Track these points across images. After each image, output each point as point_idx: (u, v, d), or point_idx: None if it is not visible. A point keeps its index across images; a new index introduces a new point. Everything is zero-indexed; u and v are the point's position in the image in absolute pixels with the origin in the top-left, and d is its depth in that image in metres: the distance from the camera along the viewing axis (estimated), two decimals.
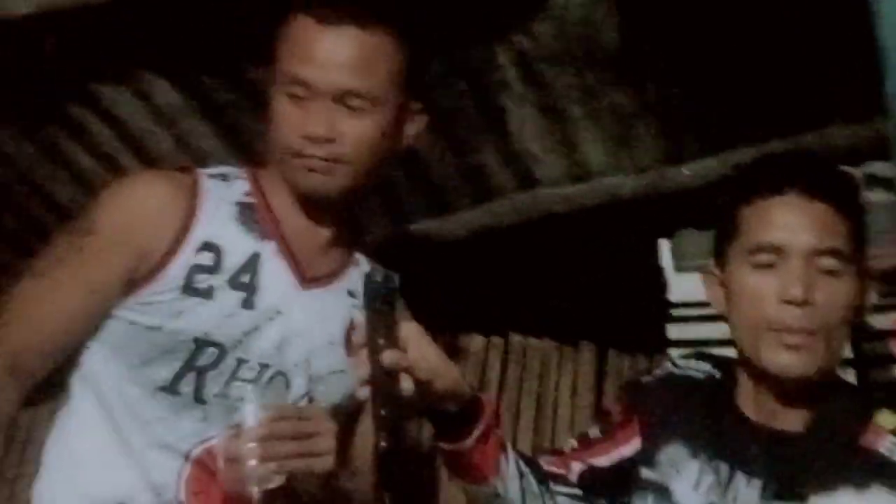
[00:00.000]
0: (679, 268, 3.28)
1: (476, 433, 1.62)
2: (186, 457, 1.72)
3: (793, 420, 1.63)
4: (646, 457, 1.72)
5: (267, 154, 1.79)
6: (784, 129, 2.37)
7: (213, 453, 1.67)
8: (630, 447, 1.74)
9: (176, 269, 1.69)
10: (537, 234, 2.62)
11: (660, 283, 3.23)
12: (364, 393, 1.51)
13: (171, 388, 1.70)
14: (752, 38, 2.14)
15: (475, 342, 2.78)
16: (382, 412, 1.47)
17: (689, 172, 2.44)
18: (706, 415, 1.70)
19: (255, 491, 1.57)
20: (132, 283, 1.70)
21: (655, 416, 1.73)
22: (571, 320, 2.79)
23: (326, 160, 1.69)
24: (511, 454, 1.70)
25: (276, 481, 1.58)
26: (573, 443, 1.80)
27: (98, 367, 1.74)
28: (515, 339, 2.80)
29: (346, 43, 1.70)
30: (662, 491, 1.69)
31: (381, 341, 1.49)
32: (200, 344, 1.70)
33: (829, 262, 1.57)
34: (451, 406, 1.59)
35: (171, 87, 2.34)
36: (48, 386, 1.77)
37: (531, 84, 2.28)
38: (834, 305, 1.56)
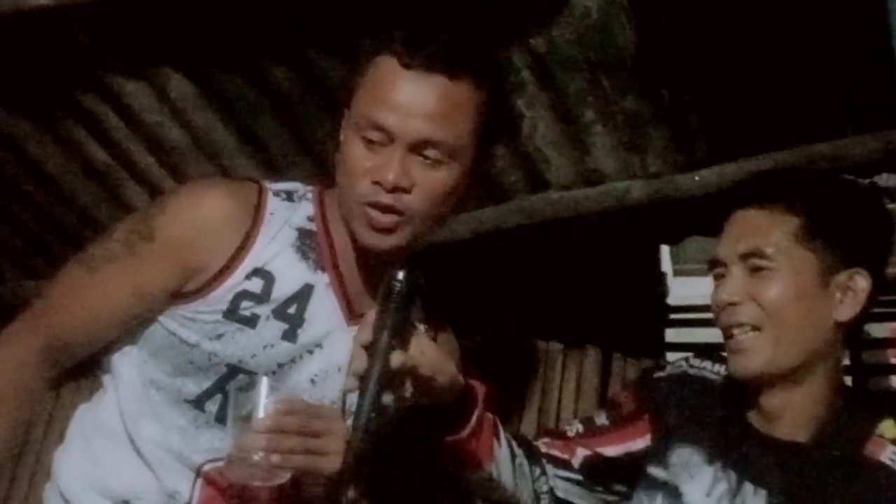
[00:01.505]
0: (677, 272, 3.30)
1: (472, 422, 1.64)
2: (198, 471, 1.71)
3: (797, 430, 1.66)
4: (657, 455, 1.74)
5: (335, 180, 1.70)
6: (797, 138, 2.37)
7: (222, 472, 1.64)
8: (641, 442, 1.76)
9: (223, 292, 1.66)
10: (544, 237, 2.62)
11: (661, 288, 3.25)
12: (350, 385, 1.50)
13: (196, 402, 1.70)
14: (766, 47, 2.14)
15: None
16: (364, 422, 1.45)
17: (699, 180, 2.43)
18: (720, 421, 1.71)
19: (258, 485, 1.56)
20: (179, 294, 1.68)
21: (669, 415, 1.75)
22: (577, 323, 2.80)
23: (394, 211, 1.62)
24: (503, 436, 1.72)
25: (281, 477, 1.56)
26: (578, 426, 1.80)
27: (131, 369, 1.74)
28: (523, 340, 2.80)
29: (430, 91, 1.61)
30: (672, 491, 1.70)
31: (388, 339, 1.48)
32: (233, 370, 1.67)
33: (756, 262, 1.65)
34: (448, 399, 1.59)
35: (185, 80, 2.35)
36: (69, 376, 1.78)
37: (545, 87, 2.28)
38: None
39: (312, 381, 1.71)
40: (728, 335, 1.67)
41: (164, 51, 2.28)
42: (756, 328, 1.64)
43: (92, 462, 1.75)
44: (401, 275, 1.51)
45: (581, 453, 1.78)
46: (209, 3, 2.14)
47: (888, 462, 1.59)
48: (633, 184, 2.48)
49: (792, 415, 1.66)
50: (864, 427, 1.63)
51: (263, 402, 1.57)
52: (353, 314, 1.72)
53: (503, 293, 2.83)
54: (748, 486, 1.65)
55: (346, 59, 2.23)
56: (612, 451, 1.78)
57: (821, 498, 1.60)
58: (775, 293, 1.63)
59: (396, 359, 1.49)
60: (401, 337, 1.50)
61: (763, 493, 1.63)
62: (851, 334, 1.70)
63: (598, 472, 1.78)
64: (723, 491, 1.67)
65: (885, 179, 3.13)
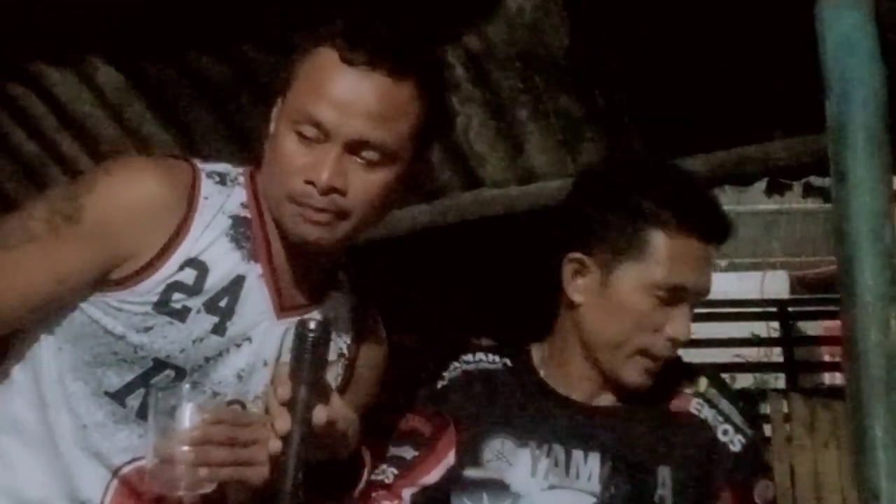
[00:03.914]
0: None
1: (362, 483, 1.64)
2: (115, 472, 1.64)
3: (608, 396, 1.78)
4: (468, 457, 1.76)
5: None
6: (728, 140, 2.40)
7: (142, 474, 1.57)
8: (452, 454, 1.77)
9: (154, 283, 1.58)
10: (478, 235, 2.62)
11: None
12: (276, 447, 1.46)
13: (117, 396, 1.62)
14: (699, 49, 2.16)
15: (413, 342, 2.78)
16: (291, 473, 1.43)
17: None
18: (522, 402, 1.78)
19: (183, 495, 1.50)
20: (104, 281, 1.59)
21: (468, 415, 1.78)
22: (511, 321, 2.80)
23: (326, 211, 1.56)
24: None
25: (207, 487, 1.51)
26: (392, 470, 1.79)
27: (45, 355, 1.64)
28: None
29: (372, 90, 1.54)
30: (497, 485, 1.73)
31: (308, 395, 1.45)
32: (158, 364, 1.60)
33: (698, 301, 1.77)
34: (345, 454, 1.58)
35: (114, 70, 2.31)
36: None
37: (479, 85, 2.28)
38: None
39: (239, 375, 1.65)
40: (653, 358, 1.75)
41: (91, 40, 2.24)
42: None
43: (0, 460, 1.67)
44: (313, 324, 1.48)
45: (407, 494, 1.78)
46: None
47: (694, 411, 1.78)
48: (567, 182, 2.49)
49: (603, 384, 1.79)
50: (670, 387, 1.79)
51: (185, 409, 1.50)
52: (283, 307, 1.66)
53: (438, 291, 2.83)
54: (577, 454, 1.73)
55: (277, 49, 2.22)
56: (434, 476, 1.78)
57: (645, 448, 1.74)
58: None
59: (320, 415, 1.46)
60: (317, 390, 1.47)
61: (596, 455, 1.72)
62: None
63: (431, 502, 1.79)
64: (548, 466, 1.74)
65: (822, 181, 3.18)
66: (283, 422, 1.45)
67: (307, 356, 1.47)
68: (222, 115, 2.41)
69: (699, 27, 2.12)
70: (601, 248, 1.74)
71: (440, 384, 1.84)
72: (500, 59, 2.22)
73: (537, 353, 1.85)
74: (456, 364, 1.84)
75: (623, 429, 1.75)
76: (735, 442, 1.78)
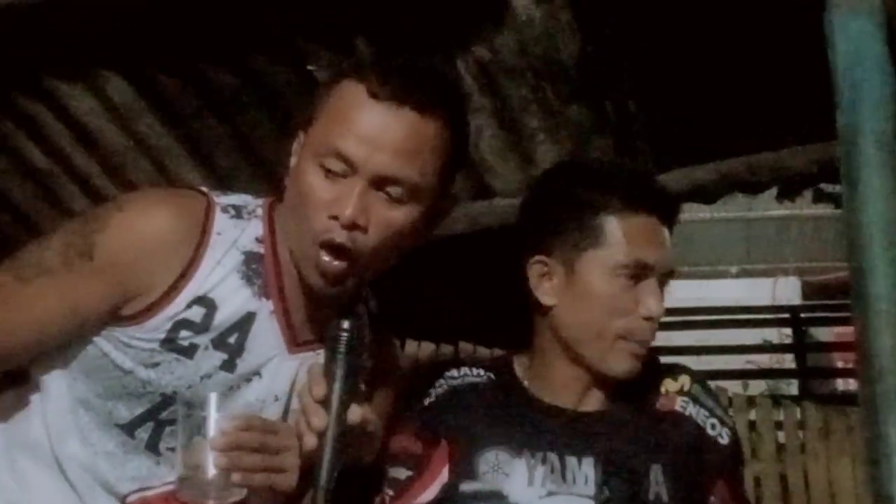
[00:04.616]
0: None
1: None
2: (122, 500, 1.64)
3: (594, 401, 1.82)
4: (463, 471, 1.77)
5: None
6: (739, 148, 2.40)
7: (175, 495, 1.57)
8: (445, 471, 1.78)
9: (162, 320, 1.57)
10: (489, 245, 2.62)
11: None
12: (311, 443, 1.47)
13: (127, 428, 1.62)
14: (710, 58, 2.16)
15: (424, 350, 2.79)
16: (326, 470, 1.43)
17: None
18: (511, 414, 1.80)
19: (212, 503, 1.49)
20: (116, 316, 1.59)
21: (459, 429, 1.79)
22: (521, 331, 2.80)
23: (344, 254, 1.53)
24: None
25: (237, 495, 1.50)
26: (389, 492, 1.79)
27: (60, 385, 1.65)
28: (466, 347, 2.81)
29: (399, 125, 1.52)
30: (495, 496, 1.74)
31: (342, 393, 1.46)
32: (166, 400, 1.60)
33: (668, 280, 1.81)
34: (370, 459, 1.60)
35: (125, 83, 2.32)
36: None
37: (489, 95, 2.29)
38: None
39: (249, 410, 1.63)
40: (636, 341, 1.78)
41: (103, 53, 2.25)
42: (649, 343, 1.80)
43: (16, 480, 1.68)
44: (346, 324, 1.48)
45: None
46: (148, 6, 2.12)
47: (680, 409, 1.82)
48: None
49: (589, 390, 1.81)
50: (650, 387, 1.84)
51: (214, 417, 1.49)
52: (295, 342, 1.65)
53: (447, 301, 2.83)
54: (571, 460, 1.75)
55: (289, 63, 2.23)
56: (430, 494, 1.78)
57: (637, 448, 1.77)
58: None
59: (355, 413, 1.46)
60: (351, 390, 1.47)
61: (590, 459, 1.75)
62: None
63: None
64: (544, 474, 1.75)
65: (832, 187, 3.18)
66: (320, 419, 1.46)
67: (341, 355, 1.47)
68: (233, 127, 2.41)
69: (709, 35, 2.12)
70: (560, 246, 1.78)
71: (427, 401, 1.84)
72: (509, 69, 2.22)
73: (519, 365, 1.87)
74: (441, 381, 1.85)
75: (613, 431, 1.79)
76: (723, 435, 1.82)
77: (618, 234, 1.76)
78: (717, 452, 1.81)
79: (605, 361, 1.77)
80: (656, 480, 1.76)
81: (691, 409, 1.83)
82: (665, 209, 1.81)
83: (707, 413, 1.83)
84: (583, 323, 1.77)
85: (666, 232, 1.80)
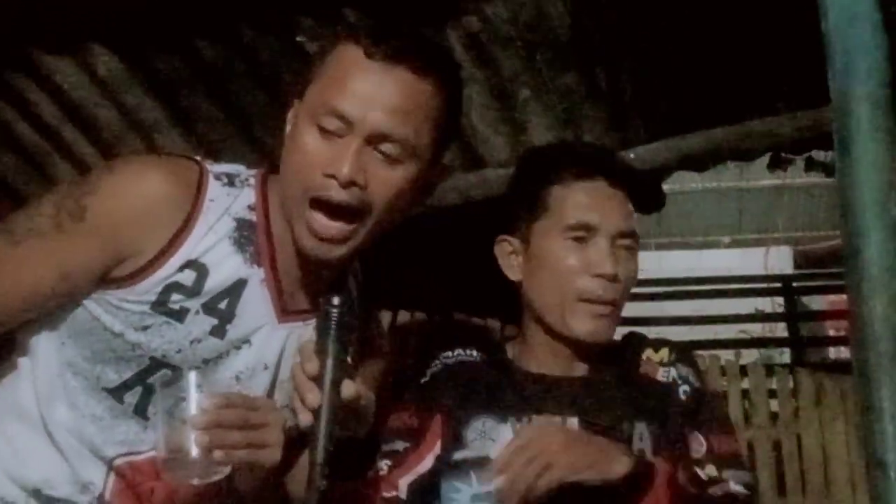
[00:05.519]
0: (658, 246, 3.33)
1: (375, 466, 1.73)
2: (110, 464, 1.65)
3: (578, 370, 1.91)
4: (455, 441, 1.84)
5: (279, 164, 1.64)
6: (730, 116, 2.40)
7: (135, 467, 1.61)
8: (438, 444, 1.86)
9: (153, 283, 1.59)
10: (479, 215, 2.62)
11: None
12: (307, 420, 1.47)
13: (115, 392, 1.63)
14: (701, 25, 2.15)
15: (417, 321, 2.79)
16: (322, 445, 1.44)
17: (635, 157, 2.45)
18: (500, 386, 1.88)
19: (197, 483, 1.50)
20: (106, 279, 1.60)
21: (453, 403, 1.87)
22: (513, 300, 2.81)
23: (341, 216, 1.55)
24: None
25: (221, 473, 1.51)
26: (386, 462, 1.86)
27: (49, 349, 1.66)
28: (460, 318, 2.81)
29: (394, 84, 1.57)
30: (483, 462, 1.80)
31: (335, 370, 1.46)
32: (156, 363, 1.61)
33: (626, 241, 1.87)
34: (362, 434, 1.61)
35: (114, 57, 2.30)
36: None
37: (480, 65, 2.27)
38: (629, 279, 1.88)
39: (237, 377, 1.66)
40: (593, 301, 1.85)
41: (90, 28, 2.23)
42: (615, 303, 1.88)
43: (7, 445, 1.69)
44: (337, 300, 1.48)
45: (403, 483, 1.85)
46: None
47: (662, 379, 1.91)
48: None
49: (574, 358, 1.90)
50: (631, 355, 1.94)
51: (194, 396, 1.49)
52: (285, 312, 1.67)
53: (441, 272, 2.82)
54: (556, 420, 1.83)
55: (277, 34, 2.22)
56: (425, 465, 1.85)
57: (620, 408, 1.86)
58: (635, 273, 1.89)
59: (349, 388, 1.47)
60: (343, 366, 1.48)
61: (574, 419, 1.83)
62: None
63: (423, 491, 1.85)
64: None
65: (824, 156, 3.18)
66: (314, 396, 1.46)
67: (332, 331, 1.47)
68: (223, 100, 2.40)
69: (700, 2, 2.11)
70: (518, 224, 1.91)
71: (423, 380, 1.93)
72: (500, 39, 2.22)
73: (509, 343, 1.99)
74: (437, 361, 1.94)
75: (597, 393, 1.88)
76: (689, 392, 1.91)
77: (563, 201, 1.86)
78: (685, 407, 1.89)
79: (568, 325, 1.85)
80: (640, 437, 1.84)
81: (672, 375, 1.91)
82: (615, 173, 1.89)
83: (681, 380, 1.92)
84: (544, 291, 1.87)
85: (619, 195, 1.87)
